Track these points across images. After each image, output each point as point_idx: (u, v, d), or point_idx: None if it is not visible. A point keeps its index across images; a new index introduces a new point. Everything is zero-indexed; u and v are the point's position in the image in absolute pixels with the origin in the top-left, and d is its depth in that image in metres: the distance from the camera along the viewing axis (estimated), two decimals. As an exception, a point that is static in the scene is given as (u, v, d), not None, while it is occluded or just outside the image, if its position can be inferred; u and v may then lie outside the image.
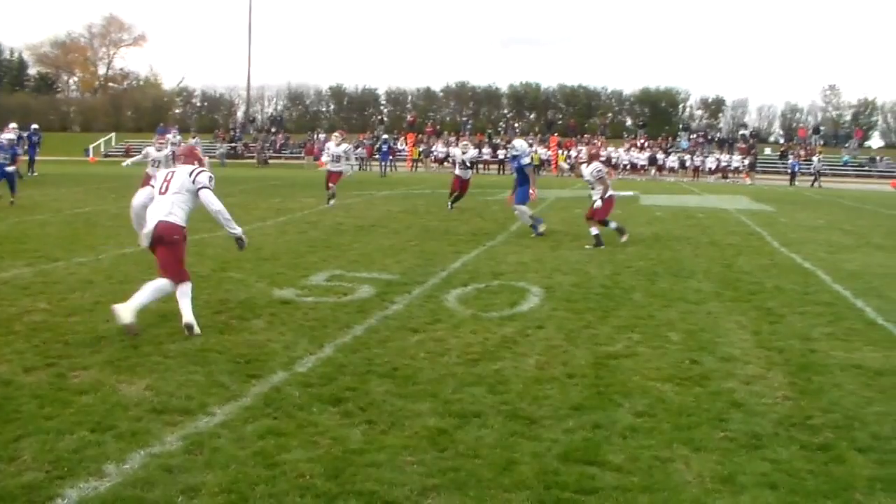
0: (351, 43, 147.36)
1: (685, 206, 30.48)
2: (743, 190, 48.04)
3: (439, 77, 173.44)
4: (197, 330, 8.72)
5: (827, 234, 20.81)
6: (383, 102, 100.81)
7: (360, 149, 68.37)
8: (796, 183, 60.34)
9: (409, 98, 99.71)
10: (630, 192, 35.11)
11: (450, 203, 25.07)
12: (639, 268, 13.96)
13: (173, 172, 9.49)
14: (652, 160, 66.53)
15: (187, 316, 8.74)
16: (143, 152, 22.92)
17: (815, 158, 63.30)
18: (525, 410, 6.51)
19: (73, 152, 71.89)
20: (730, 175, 65.28)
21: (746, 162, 66.09)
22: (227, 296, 10.65)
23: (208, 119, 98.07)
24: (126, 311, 8.52)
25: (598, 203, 17.23)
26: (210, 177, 9.47)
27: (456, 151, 26.28)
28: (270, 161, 72.38)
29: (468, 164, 25.42)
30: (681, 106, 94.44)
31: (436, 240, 16.95)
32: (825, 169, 62.21)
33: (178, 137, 44.07)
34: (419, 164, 67.94)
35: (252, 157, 73.95)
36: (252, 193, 30.62)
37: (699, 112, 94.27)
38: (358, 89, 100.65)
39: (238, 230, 9.33)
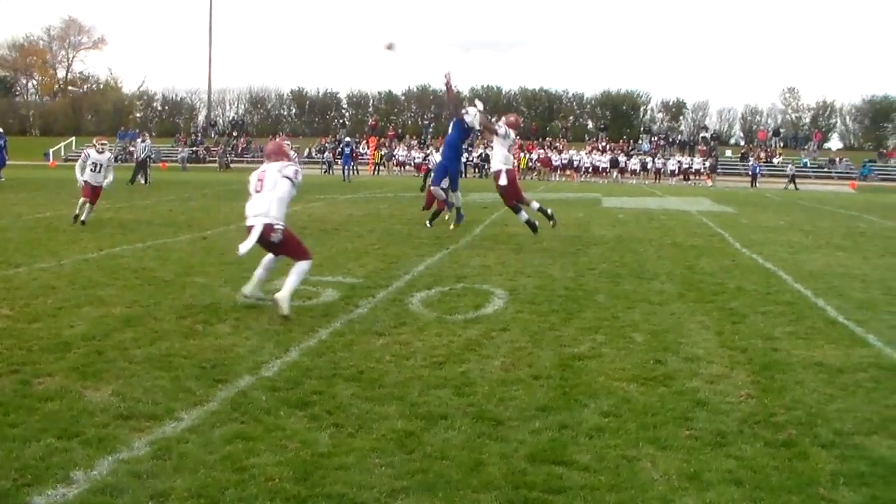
0: (312, 46, 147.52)
1: (647, 208, 30.69)
2: (704, 192, 48.48)
3: (401, 81, 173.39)
4: (284, 309, 9.47)
5: (788, 235, 21.03)
6: (345, 106, 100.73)
7: (326, 153, 68.28)
8: (757, 185, 60.94)
9: (371, 102, 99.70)
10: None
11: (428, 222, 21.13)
12: (602, 270, 14.03)
13: (264, 171, 10.05)
14: (614, 163, 67.02)
15: (285, 291, 9.60)
16: (83, 154, 20.57)
17: (790, 165, 64.05)
18: (491, 412, 6.53)
19: (33, 156, 71.25)
20: (691, 177, 65.93)
21: (707, 164, 66.81)
22: (192, 300, 10.60)
23: (169, 123, 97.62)
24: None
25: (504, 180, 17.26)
26: (296, 171, 10.16)
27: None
28: (232, 165, 72.17)
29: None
30: (642, 109, 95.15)
31: (399, 243, 16.96)
32: (787, 171, 62.90)
33: (148, 142, 44.18)
34: (381, 168, 67.91)
35: (214, 162, 73.70)
36: (214, 198, 30.51)
37: (660, 115, 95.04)
38: (319, 93, 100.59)
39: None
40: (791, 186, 57.99)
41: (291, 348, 8.32)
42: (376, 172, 66.78)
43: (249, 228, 9.95)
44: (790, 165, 63.79)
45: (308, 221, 21.05)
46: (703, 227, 22.80)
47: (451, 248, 16.34)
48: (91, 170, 19.77)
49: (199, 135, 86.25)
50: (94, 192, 19.68)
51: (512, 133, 17.60)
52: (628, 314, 10.39)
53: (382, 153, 70.26)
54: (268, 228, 9.83)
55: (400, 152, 70.42)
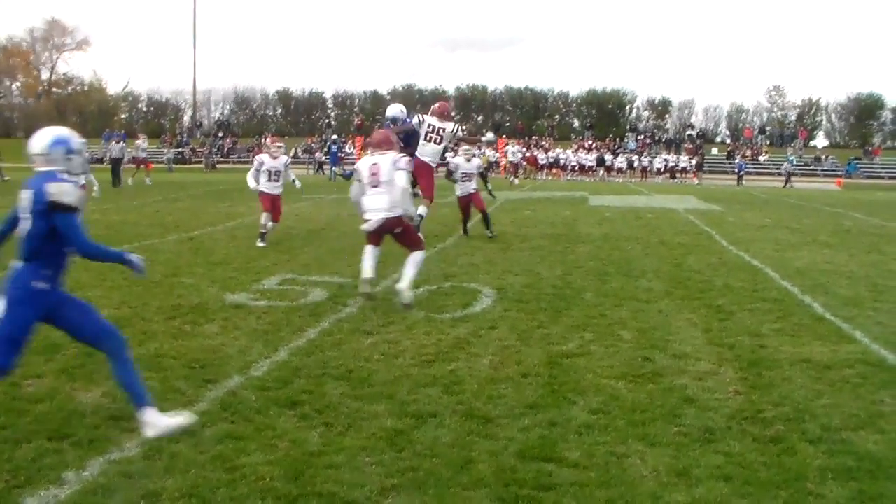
0: (297, 46, 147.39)
1: (634, 206, 30.76)
2: (691, 190, 48.59)
3: (386, 80, 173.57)
4: (407, 299, 10.21)
5: (774, 233, 21.13)
6: (330, 106, 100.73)
7: (317, 153, 68.15)
8: (743, 182, 61.10)
9: (357, 101, 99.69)
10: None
11: (464, 228, 18.94)
12: (589, 268, 14.08)
13: (377, 164, 10.59)
14: (600, 161, 67.04)
15: (406, 282, 10.32)
16: (256, 161, 17.54)
17: (786, 163, 64.20)
18: (481, 410, 6.57)
19: (18, 159, 70.93)
20: (678, 175, 66.00)
21: (694, 162, 66.91)
22: (180, 301, 10.60)
23: (155, 124, 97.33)
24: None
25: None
26: (409, 160, 10.91)
27: (458, 161, 18.77)
28: (218, 165, 72.05)
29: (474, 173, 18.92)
30: (628, 107, 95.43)
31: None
32: (772, 168, 63.11)
33: (146, 143, 44.32)
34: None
35: (200, 162, 73.57)
36: (201, 198, 30.48)
37: (646, 113, 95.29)
38: (305, 93, 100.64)
39: (412, 210, 10.83)
40: (788, 186, 58.00)
41: (280, 348, 8.34)
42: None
43: (368, 221, 10.61)
44: (786, 163, 63.99)
45: (295, 221, 21.03)
46: (690, 225, 22.88)
47: (439, 246, 16.36)
48: (267, 178, 16.96)
49: (185, 135, 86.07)
50: (273, 205, 16.90)
51: (435, 121, 16.66)
52: (616, 312, 10.43)
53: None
54: (394, 222, 10.59)
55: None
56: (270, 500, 4.89)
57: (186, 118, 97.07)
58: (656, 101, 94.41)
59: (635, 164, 67.93)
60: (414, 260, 10.63)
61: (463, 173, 18.41)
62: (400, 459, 5.53)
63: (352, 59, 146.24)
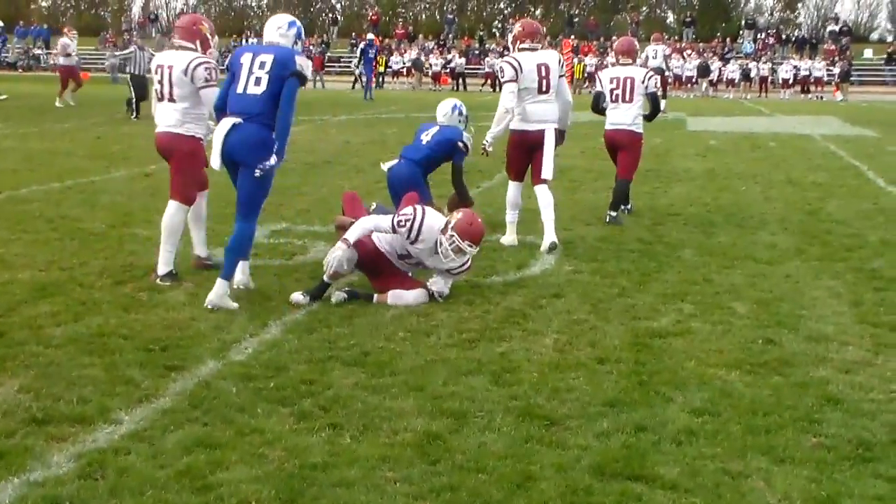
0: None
1: (750, 131, 30.58)
2: (832, 108, 48.08)
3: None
4: (551, 240, 11.45)
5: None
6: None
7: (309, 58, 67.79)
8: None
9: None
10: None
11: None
12: (688, 216, 14.05)
13: (547, 65, 11.78)
14: (703, 70, 66.36)
15: (552, 232, 11.52)
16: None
17: None
18: (543, 408, 6.58)
19: None
20: (813, 88, 65.25)
21: (837, 70, 65.95)
22: (133, 259, 10.64)
23: (89, 16, 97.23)
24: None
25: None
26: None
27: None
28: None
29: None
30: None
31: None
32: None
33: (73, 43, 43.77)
34: (384, 79, 67.49)
35: (155, 71, 73.54)
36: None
37: (770, 2, 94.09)
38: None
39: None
40: None
41: (271, 322, 8.39)
42: (380, 84, 66.48)
43: (541, 132, 11.75)
44: None
45: (289, 152, 20.87)
46: (831, 158, 22.73)
47: (483, 185, 16.35)
48: None
49: (134, 34, 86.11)
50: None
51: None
52: (726, 276, 10.41)
53: (387, 59, 69.95)
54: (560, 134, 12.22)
55: (410, 56, 70.15)
56: (258, 530, 4.93)
57: (135, 9, 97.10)
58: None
59: (752, 73, 67.29)
60: (551, 200, 11.84)
61: None
62: (434, 474, 5.54)
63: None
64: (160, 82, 9.95)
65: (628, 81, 13.60)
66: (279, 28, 9.36)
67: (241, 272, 9.53)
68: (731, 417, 6.47)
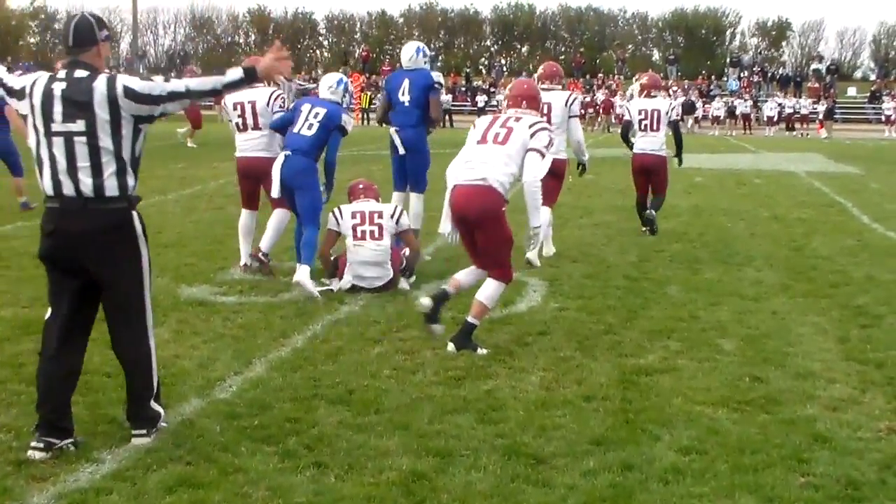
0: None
1: (735, 168, 30.69)
2: (816, 146, 48.30)
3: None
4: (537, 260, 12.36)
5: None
6: (323, 32, 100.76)
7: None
8: (894, 133, 60.26)
9: (359, 26, 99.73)
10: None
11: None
12: (674, 252, 14.05)
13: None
14: (688, 107, 66.59)
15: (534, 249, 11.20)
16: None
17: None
18: (529, 446, 6.54)
19: None
20: (797, 126, 65.49)
21: (821, 108, 66.21)
22: (117, 296, 10.58)
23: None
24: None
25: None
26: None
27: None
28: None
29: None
30: (728, 32, 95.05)
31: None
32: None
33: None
34: (369, 116, 67.50)
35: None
36: (147, 156, 30.34)
37: (754, 40, 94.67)
38: (288, 14, 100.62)
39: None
40: None
41: (255, 360, 8.35)
42: (364, 121, 66.49)
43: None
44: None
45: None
46: (816, 194, 22.79)
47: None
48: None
49: (122, 69, 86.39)
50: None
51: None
52: (713, 313, 10.39)
53: (370, 95, 69.95)
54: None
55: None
56: (241, 571, 4.87)
57: (124, 45, 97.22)
58: (769, 24, 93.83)
59: (737, 110, 67.53)
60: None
61: None
62: (419, 514, 5.48)
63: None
64: (241, 116, 12.11)
65: (655, 113, 15.47)
66: (329, 87, 11.92)
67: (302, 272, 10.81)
68: (719, 456, 6.43)
